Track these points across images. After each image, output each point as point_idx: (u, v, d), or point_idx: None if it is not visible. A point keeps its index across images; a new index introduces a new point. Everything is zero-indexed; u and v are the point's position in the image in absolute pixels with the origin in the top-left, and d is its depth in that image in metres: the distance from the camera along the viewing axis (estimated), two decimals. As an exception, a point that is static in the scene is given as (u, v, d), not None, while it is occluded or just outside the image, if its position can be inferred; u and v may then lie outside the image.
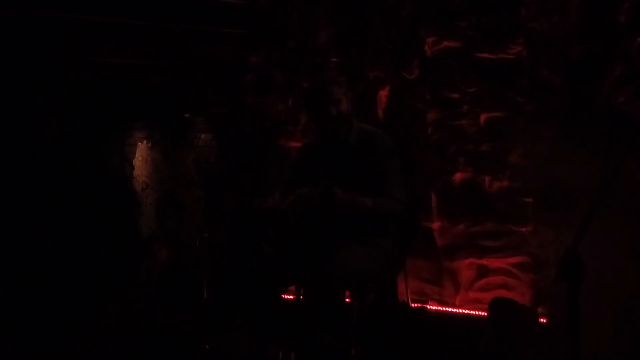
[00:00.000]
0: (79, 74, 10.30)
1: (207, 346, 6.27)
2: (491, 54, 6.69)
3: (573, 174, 5.40)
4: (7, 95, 8.81)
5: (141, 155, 11.67)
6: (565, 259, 2.68)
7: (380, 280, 5.12)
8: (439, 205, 7.08)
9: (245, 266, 5.05)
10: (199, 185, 10.23)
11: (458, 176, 6.94)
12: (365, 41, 7.79)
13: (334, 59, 8.06)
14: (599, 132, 5.32)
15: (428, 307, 6.96)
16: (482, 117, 6.77)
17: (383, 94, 7.60)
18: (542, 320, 5.99)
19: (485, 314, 6.27)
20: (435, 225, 7.12)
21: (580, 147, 5.48)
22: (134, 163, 11.74)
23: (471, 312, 6.69)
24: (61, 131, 6.97)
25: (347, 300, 5.44)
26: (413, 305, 6.87)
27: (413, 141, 7.25)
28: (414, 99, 7.30)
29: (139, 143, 11.72)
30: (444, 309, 6.95)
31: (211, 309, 6.64)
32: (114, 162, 11.95)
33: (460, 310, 6.82)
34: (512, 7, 6.56)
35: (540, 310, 6.21)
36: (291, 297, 6.12)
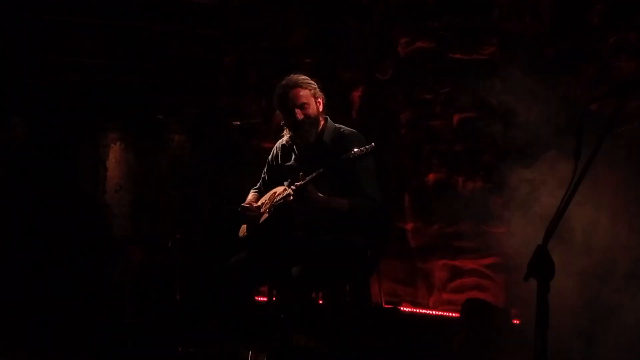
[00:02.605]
0: (50, 75, 10.24)
1: (180, 348, 6.24)
2: (464, 55, 6.70)
3: (545, 173, 5.41)
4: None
5: (114, 156, 11.60)
6: (535, 257, 2.67)
7: (353, 281, 5.10)
8: (412, 206, 7.08)
9: (218, 267, 5.01)
10: (173, 187, 10.19)
11: (432, 177, 6.95)
12: (338, 42, 7.78)
13: (308, 60, 8.05)
14: (571, 132, 5.34)
15: (401, 308, 6.95)
16: (456, 118, 6.78)
17: (356, 94, 7.60)
18: (515, 321, 5.99)
19: (459, 315, 6.27)
20: (409, 226, 7.12)
21: (551, 147, 5.50)
22: (107, 165, 11.68)
23: (444, 313, 6.69)
24: (29, 133, 6.90)
25: (320, 301, 5.43)
26: (386, 306, 6.86)
27: (386, 142, 7.25)
28: (387, 99, 7.30)
29: (112, 144, 11.65)
30: (417, 310, 6.94)
31: (184, 311, 6.61)
32: (86, 164, 11.89)
33: (434, 312, 6.81)
34: (485, 8, 6.57)
35: (513, 311, 6.21)
36: (264, 298, 6.10)
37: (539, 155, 5.65)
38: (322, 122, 5.09)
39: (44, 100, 10.45)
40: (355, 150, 4.68)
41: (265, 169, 5.48)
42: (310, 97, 4.99)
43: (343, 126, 5.16)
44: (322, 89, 5.13)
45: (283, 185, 5.02)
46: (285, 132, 5.29)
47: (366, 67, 7.50)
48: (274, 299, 5.30)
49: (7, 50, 9.11)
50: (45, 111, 10.02)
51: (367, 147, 4.73)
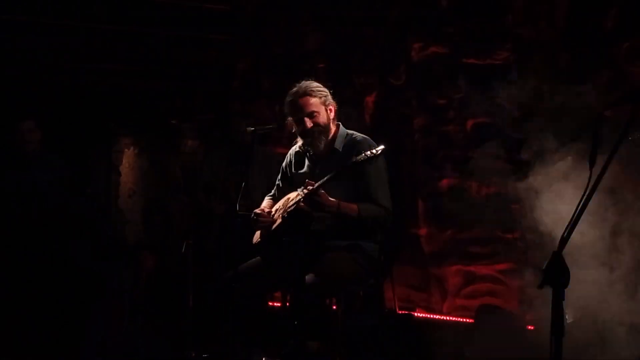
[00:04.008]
0: (64, 80, 10.27)
1: (193, 353, 6.24)
2: (478, 60, 6.68)
3: (561, 180, 5.39)
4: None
5: (128, 161, 11.62)
6: (550, 264, 2.66)
7: (366, 286, 5.09)
8: (426, 212, 7.07)
9: (231, 273, 5.00)
10: (185, 192, 10.19)
11: (445, 182, 6.93)
12: (352, 47, 7.78)
13: (321, 65, 8.05)
14: (586, 137, 5.32)
15: (415, 314, 6.93)
16: (469, 123, 6.77)
17: (370, 99, 7.59)
18: (529, 327, 5.96)
19: (472, 321, 6.25)
20: (423, 231, 7.10)
21: (568, 153, 5.47)
22: (120, 169, 11.70)
23: (458, 319, 6.66)
24: (43, 136, 6.92)
25: (334, 307, 5.42)
26: (400, 312, 6.84)
27: (400, 147, 7.24)
28: (400, 104, 7.29)
29: (126, 149, 11.67)
30: (431, 316, 6.92)
31: (196, 316, 6.60)
32: (100, 169, 11.91)
33: (447, 317, 6.79)
34: (499, 13, 6.56)
35: (527, 317, 6.18)
36: (278, 303, 6.09)
37: (554, 161, 5.62)
38: (333, 129, 5.08)
39: (58, 105, 10.48)
40: (365, 153, 4.67)
41: (279, 175, 5.47)
42: (320, 105, 4.97)
43: (355, 132, 5.15)
44: (334, 95, 5.11)
45: (296, 191, 5.01)
46: (298, 138, 5.28)
47: (380, 73, 7.50)
48: (287, 304, 5.30)
49: (21, 55, 9.14)
50: (59, 116, 10.05)
51: (375, 150, 4.71)
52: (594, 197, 2.79)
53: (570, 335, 2.74)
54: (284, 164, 5.43)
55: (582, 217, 2.77)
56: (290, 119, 5.13)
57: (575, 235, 2.77)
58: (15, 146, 6.87)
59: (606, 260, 4.99)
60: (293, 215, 4.88)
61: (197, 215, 7.82)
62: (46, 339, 6.80)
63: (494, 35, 6.59)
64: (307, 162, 5.20)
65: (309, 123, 4.93)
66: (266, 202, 5.42)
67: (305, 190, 4.72)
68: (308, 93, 4.97)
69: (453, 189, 6.87)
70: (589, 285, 4.88)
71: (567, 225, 2.73)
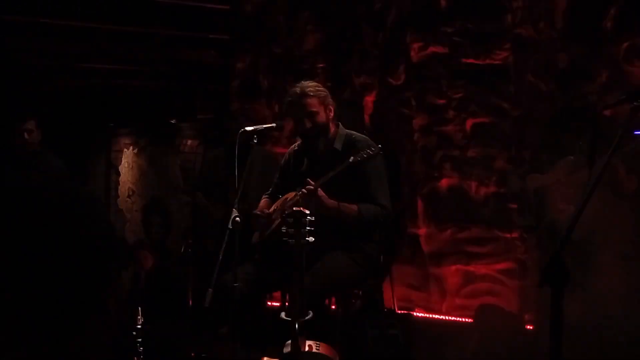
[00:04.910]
0: (64, 79, 10.27)
1: (192, 353, 6.23)
2: (477, 60, 6.68)
3: (562, 179, 5.39)
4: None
5: (127, 161, 11.63)
6: (550, 264, 2.66)
7: (365, 286, 5.09)
8: (425, 211, 7.06)
9: (230, 273, 5.00)
10: (185, 192, 10.19)
11: (444, 182, 6.92)
12: (351, 47, 7.77)
13: (320, 65, 8.05)
14: (585, 138, 5.32)
15: (414, 313, 6.93)
16: (468, 123, 6.76)
17: (369, 99, 7.58)
18: (528, 326, 5.96)
19: (472, 320, 6.25)
20: (422, 231, 7.10)
21: (566, 153, 5.48)
22: (119, 169, 11.71)
23: (457, 318, 6.66)
24: (42, 138, 6.92)
25: (333, 307, 5.42)
26: (399, 311, 6.84)
27: (399, 147, 7.23)
28: (400, 104, 7.28)
29: (125, 149, 11.68)
30: (430, 315, 6.92)
31: (196, 316, 6.60)
32: (99, 168, 11.91)
33: (447, 317, 6.79)
34: (499, 13, 6.55)
35: (526, 316, 6.18)
36: (277, 303, 6.09)
37: (554, 161, 5.63)
38: (332, 129, 5.08)
39: (58, 105, 10.48)
40: (361, 153, 4.68)
41: (277, 174, 5.47)
42: (320, 105, 4.97)
43: (354, 132, 5.15)
44: (333, 95, 5.11)
45: (295, 191, 5.01)
46: (298, 138, 5.29)
47: (379, 72, 7.49)
48: (286, 304, 5.29)
49: (21, 55, 9.14)
50: (58, 116, 10.05)
51: (374, 149, 4.72)
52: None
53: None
54: (282, 163, 5.44)
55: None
56: (289, 118, 5.13)
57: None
58: (15, 146, 6.87)
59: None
60: (291, 215, 4.88)
61: (196, 215, 7.81)
62: (46, 339, 6.80)
63: (493, 35, 6.58)
64: (306, 161, 5.20)
65: (308, 123, 4.93)
66: (263, 201, 5.42)
67: (304, 190, 4.72)
68: (307, 93, 4.97)
69: (453, 188, 6.87)
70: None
71: (568, 225, 2.74)
